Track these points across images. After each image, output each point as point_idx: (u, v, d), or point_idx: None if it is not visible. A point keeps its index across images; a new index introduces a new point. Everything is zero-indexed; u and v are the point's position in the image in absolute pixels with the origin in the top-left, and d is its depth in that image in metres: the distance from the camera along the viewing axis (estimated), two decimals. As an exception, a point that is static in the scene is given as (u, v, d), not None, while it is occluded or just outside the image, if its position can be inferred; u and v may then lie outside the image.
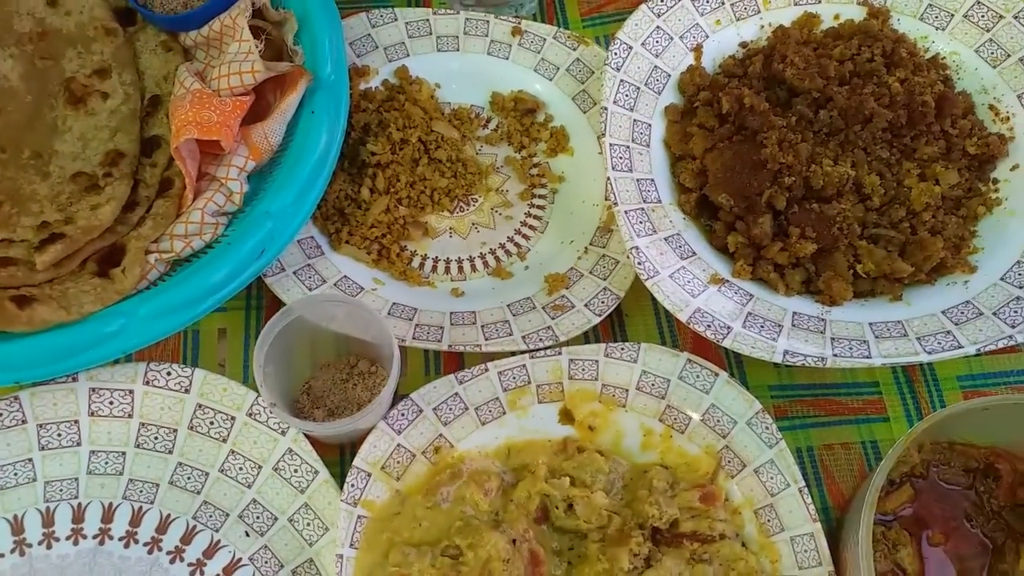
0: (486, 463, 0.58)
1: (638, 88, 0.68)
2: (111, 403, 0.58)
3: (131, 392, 0.59)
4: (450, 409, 0.59)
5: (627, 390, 0.60)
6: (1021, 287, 0.59)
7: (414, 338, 0.60)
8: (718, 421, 0.59)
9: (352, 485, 0.56)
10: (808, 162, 0.63)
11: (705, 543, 0.55)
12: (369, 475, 0.56)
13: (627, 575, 0.53)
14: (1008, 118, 0.67)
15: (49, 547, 0.56)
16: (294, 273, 0.63)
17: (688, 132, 0.68)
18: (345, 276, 0.64)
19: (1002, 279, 0.60)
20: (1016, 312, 0.58)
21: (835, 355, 0.56)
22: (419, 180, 0.69)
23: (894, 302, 0.62)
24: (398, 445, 0.58)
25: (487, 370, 0.60)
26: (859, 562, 0.48)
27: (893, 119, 0.65)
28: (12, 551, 0.55)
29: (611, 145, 0.65)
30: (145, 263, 0.60)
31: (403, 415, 0.58)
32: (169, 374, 0.59)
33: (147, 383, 0.59)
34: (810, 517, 0.55)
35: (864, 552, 0.48)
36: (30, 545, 0.56)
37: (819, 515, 0.55)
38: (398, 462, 0.57)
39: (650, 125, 0.68)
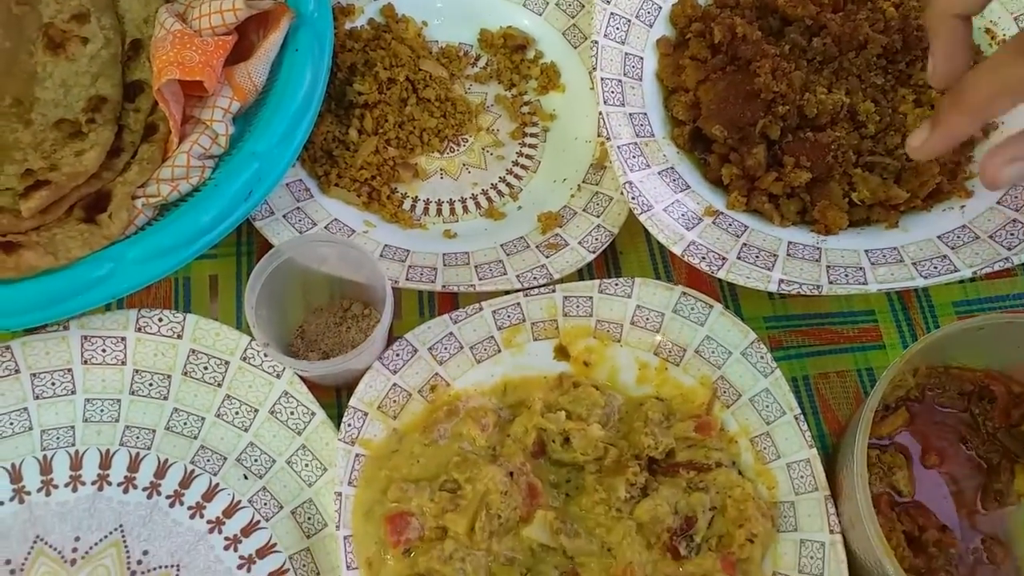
0: (482, 400, 0.58)
1: (629, 21, 0.67)
2: (104, 351, 0.58)
3: (123, 339, 0.58)
4: (445, 348, 0.59)
5: (622, 325, 0.60)
6: (1018, 209, 0.59)
7: (407, 279, 0.60)
8: (713, 352, 0.59)
9: (349, 425, 0.56)
10: (802, 91, 0.62)
11: (701, 472, 0.55)
12: (366, 414, 0.56)
13: (624, 504, 0.53)
14: (1005, 41, 0.66)
15: (48, 494, 0.56)
16: (284, 216, 0.62)
17: (680, 64, 0.67)
18: (336, 219, 0.64)
19: (998, 203, 0.60)
20: (1012, 234, 0.57)
21: (830, 282, 0.56)
22: (408, 120, 0.68)
23: (890, 229, 0.61)
24: (394, 385, 0.58)
25: (481, 309, 0.60)
26: (855, 483, 0.48)
27: (887, 45, 0.64)
28: (12, 499, 0.55)
29: (603, 79, 0.64)
30: (132, 208, 0.59)
31: (398, 355, 0.58)
32: (161, 320, 0.59)
33: (139, 330, 0.58)
34: (806, 443, 0.55)
35: (859, 473, 0.48)
36: (29, 493, 0.56)
37: (815, 442, 0.56)
38: (394, 401, 0.57)
39: (642, 58, 0.67)
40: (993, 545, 0.54)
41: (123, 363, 0.58)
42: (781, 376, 0.57)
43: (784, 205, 0.62)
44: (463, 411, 0.57)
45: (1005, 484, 0.55)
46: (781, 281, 0.56)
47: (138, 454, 0.57)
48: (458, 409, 0.57)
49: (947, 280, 0.56)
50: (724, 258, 0.58)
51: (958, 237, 0.59)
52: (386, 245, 0.63)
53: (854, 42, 0.64)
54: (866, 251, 0.59)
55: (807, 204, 0.62)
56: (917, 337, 0.63)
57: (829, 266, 0.58)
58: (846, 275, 0.57)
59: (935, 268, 0.57)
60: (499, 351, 0.60)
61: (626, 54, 0.66)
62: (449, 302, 0.64)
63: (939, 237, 0.59)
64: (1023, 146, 0.44)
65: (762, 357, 0.57)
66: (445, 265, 0.62)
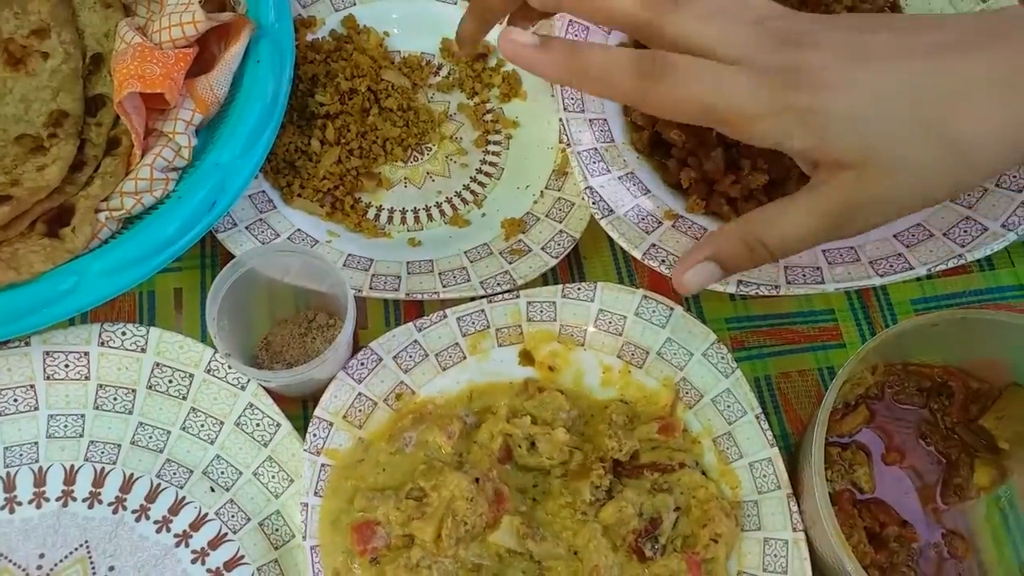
0: (448, 408, 0.58)
1: (588, 28, 0.68)
2: (67, 366, 0.58)
3: (86, 354, 0.58)
4: (410, 356, 0.59)
5: (585, 329, 0.61)
6: (970, 207, 0.60)
7: (371, 288, 0.60)
8: (675, 354, 0.59)
9: (314, 435, 0.56)
10: (758, 94, 0.63)
11: (665, 472, 0.55)
12: (331, 424, 0.56)
13: (589, 507, 0.54)
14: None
15: (12, 512, 0.55)
16: (247, 228, 0.62)
17: (639, 70, 0.68)
18: (299, 230, 0.64)
19: (952, 201, 0.61)
20: (966, 232, 0.58)
21: (788, 282, 0.57)
22: (370, 130, 0.68)
23: (847, 229, 0.62)
24: (359, 394, 0.58)
25: (446, 316, 0.60)
26: (814, 480, 0.49)
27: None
28: (-26, 516, 0.55)
29: (563, 86, 0.64)
30: (96, 222, 0.59)
31: (363, 364, 0.58)
32: (124, 334, 0.59)
33: (102, 344, 0.58)
34: (767, 443, 0.56)
35: (817, 470, 0.49)
36: (-8, 510, 0.55)
37: (778, 441, 0.56)
38: (360, 411, 0.58)
39: (601, 65, 0.68)
40: (954, 539, 0.55)
41: (87, 378, 0.58)
42: (742, 376, 0.57)
43: (742, 208, 0.62)
44: (429, 418, 0.57)
45: (964, 479, 0.56)
46: (740, 282, 0.57)
47: (103, 469, 0.57)
48: (424, 417, 0.57)
49: (903, 278, 0.56)
50: (685, 261, 0.58)
51: (913, 235, 0.60)
52: (349, 255, 0.63)
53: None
54: (823, 251, 0.60)
55: (766, 206, 0.63)
56: (876, 334, 0.64)
57: (787, 267, 0.59)
58: (804, 275, 0.58)
59: (891, 266, 0.57)
60: (464, 358, 0.60)
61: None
62: (415, 311, 0.64)
63: (895, 236, 0.60)
64: (704, 250, 0.46)
65: (723, 358, 0.58)
66: (409, 273, 0.62)
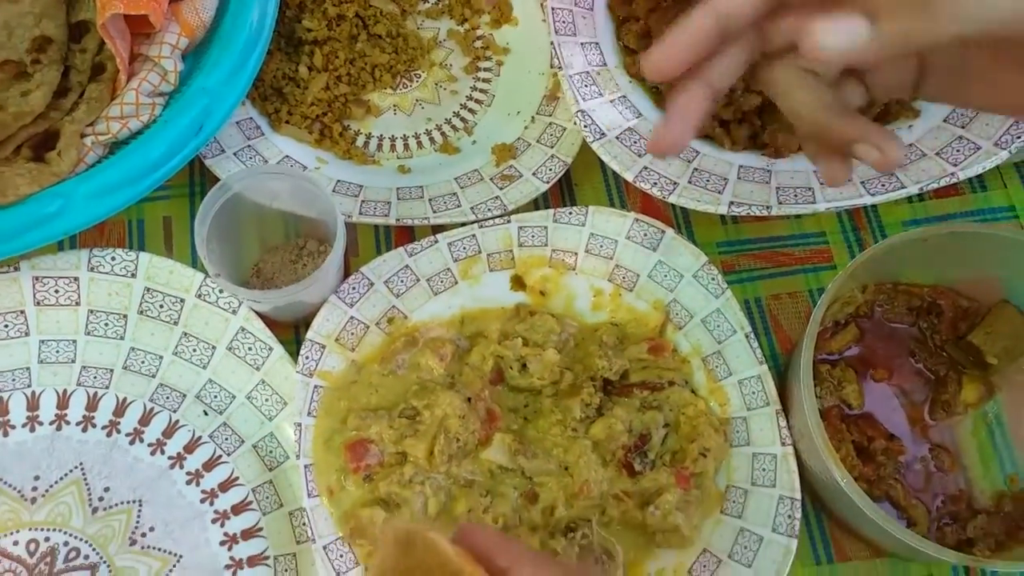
0: (440, 331, 0.59)
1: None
2: (56, 291, 0.58)
3: (76, 279, 0.58)
4: (401, 281, 0.59)
5: (576, 253, 0.61)
6: (963, 127, 0.59)
7: (360, 213, 0.60)
8: (665, 276, 0.59)
9: (307, 357, 0.56)
10: (751, 15, 0.62)
11: (655, 391, 0.56)
12: (323, 347, 0.56)
13: (579, 424, 0.54)
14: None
15: (5, 435, 0.56)
16: (234, 154, 0.62)
17: (631, -7, 0.67)
18: (287, 156, 0.63)
19: (945, 120, 0.60)
20: (958, 151, 0.58)
21: (780, 203, 0.57)
22: (358, 56, 0.67)
23: (839, 151, 0.62)
24: (351, 317, 0.58)
25: (436, 241, 0.60)
26: (802, 392, 0.49)
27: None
28: (-32, 440, 0.55)
29: (554, 9, 0.64)
30: (81, 146, 0.58)
31: (354, 288, 0.58)
32: (114, 259, 0.58)
33: (92, 269, 0.58)
34: (757, 360, 0.56)
35: (805, 383, 0.49)
36: (-14, 433, 0.56)
37: (768, 362, 0.57)
38: (352, 334, 0.58)
39: (593, -12, 0.67)
40: (941, 453, 0.56)
41: (77, 303, 0.58)
42: (732, 296, 0.58)
43: (735, 130, 0.62)
44: (421, 341, 0.57)
45: (952, 395, 0.57)
46: (731, 203, 0.57)
47: (96, 393, 0.57)
48: (416, 340, 0.58)
49: (895, 197, 0.56)
50: (675, 183, 0.58)
51: (906, 155, 0.59)
52: (339, 180, 0.62)
53: (804, -35, 0.64)
54: (815, 172, 0.60)
55: (757, 129, 0.62)
56: (868, 258, 0.64)
57: (779, 187, 0.58)
58: (795, 196, 0.58)
59: (882, 186, 0.57)
60: (456, 283, 0.60)
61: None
62: (406, 237, 0.64)
63: (887, 156, 0.60)
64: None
65: (713, 279, 0.58)
66: (399, 199, 0.62)
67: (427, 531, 0.36)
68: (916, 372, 0.58)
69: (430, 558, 0.35)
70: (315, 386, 0.55)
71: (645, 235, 0.60)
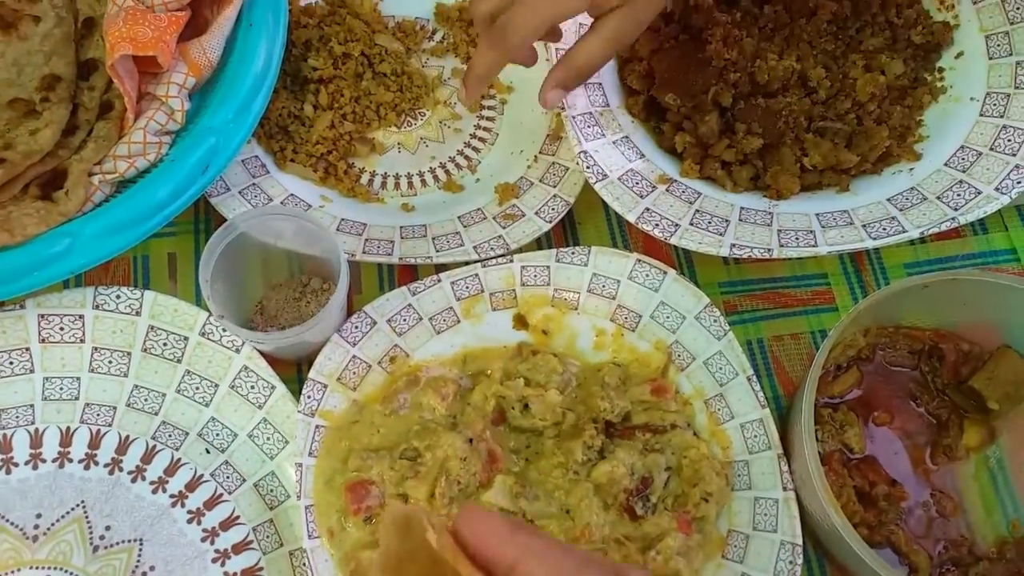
0: (442, 370, 0.59)
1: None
2: (62, 328, 0.58)
3: (81, 317, 0.58)
4: (404, 320, 0.59)
5: (579, 293, 0.61)
6: (964, 171, 0.60)
7: (364, 252, 0.60)
8: (668, 317, 0.59)
9: (309, 396, 0.56)
10: (753, 57, 0.63)
11: (657, 433, 0.56)
12: (325, 386, 0.57)
13: (581, 467, 0.54)
14: (953, 5, 0.67)
15: (8, 472, 0.56)
16: (239, 192, 0.62)
17: (634, 34, 0.67)
18: (292, 194, 0.64)
19: (946, 164, 0.61)
20: (959, 195, 0.58)
21: (781, 245, 0.57)
22: (363, 95, 0.68)
23: (841, 193, 0.62)
24: (353, 356, 0.58)
25: (440, 280, 0.60)
26: (803, 438, 0.49)
27: (837, 11, 0.65)
28: (-29, 477, 0.55)
29: (558, 50, 0.64)
30: (89, 185, 0.59)
31: (356, 327, 0.58)
32: (119, 297, 0.59)
33: (97, 307, 0.58)
34: (759, 404, 0.56)
35: (806, 428, 0.49)
36: (-11, 470, 0.56)
37: (770, 404, 0.57)
38: (354, 373, 0.58)
39: (596, 29, 0.68)
40: (943, 499, 0.56)
41: (81, 341, 0.58)
42: (734, 338, 0.58)
43: (736, 172, 0.62)
44: (423, 381, 0.58)
45: (954, 439, 0.57)
46: (733, 246, 0.57)
47: (99, 431, 0.57)
48: (418, 379, 0.58)
49: (896, 241, 0.56)
50: (677, 224, 0.58)
51: (906, 199, 0.60)
52: (343, 219, 0.63)
53: (805, 9, 0.65)
54: (817, 215, 0.60)
55: (759, 170, 0.63)
56: (870, 299, 0.64)
57: (780, 230, 0.59)
58: (797, 238, 0.58)
59: (884, 229, 0.57)
60: (458, 322, 0.60)
61: (580, 24, 0.66)
62: (409, 276, 0.64)
63: (888, 199, 0.60)
64: (558, 74, 0.58)
65: (715, 320, 0.58)
66: (402, 238, 0.62)
67: (424, 516, 0.34)
68: (918, 416, 0.58)
69: (429, 544, 0.33)
70: (316, 426, 0.56)
71: (647, 276, 0.60)
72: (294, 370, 0.61)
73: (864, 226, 0.58)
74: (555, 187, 0.65)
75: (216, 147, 0.59)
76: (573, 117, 0.62)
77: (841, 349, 0.58)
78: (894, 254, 0.65)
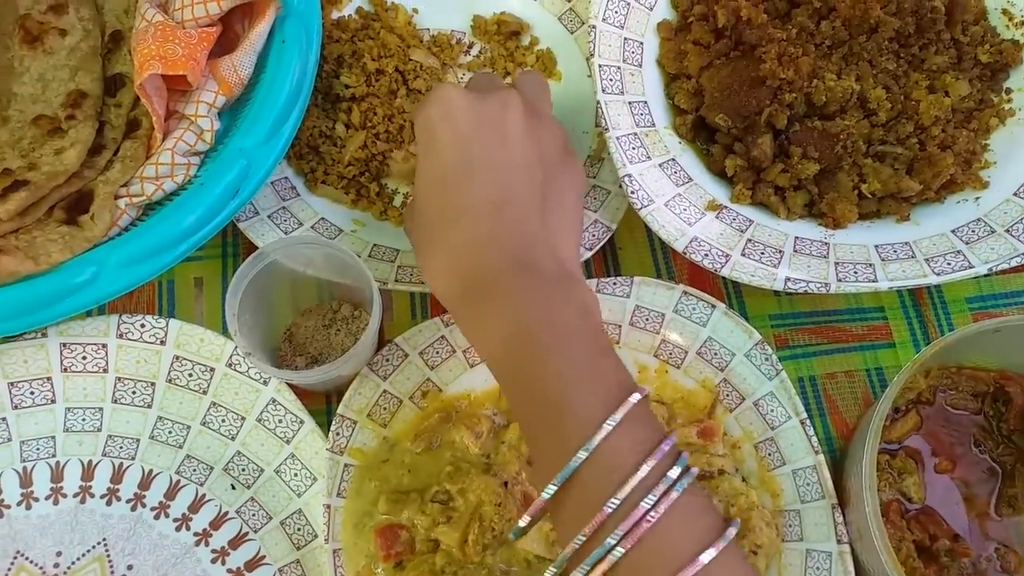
0: (476, 406, 0.56)
1: (628, 3, 0.64)
2: (84, 358, 0.56)
3: (104, 346, 0.56)
4: (437, 352, 0.57)
5: (620, 326, 0.58)
6: (1035, 202, 0.56)
7: (396, 280, 0.58)
8: (715, 354, 0.56)
9: (337, 434, 0.54)
10: (810, 77, 0.59)
11: (704, 479, 0.53)
12: (355, 423, 0.54)
13: (624, 516, 0.51)
14: (1022, 23, 0.63)
15: (29, 507, 0.54)
16: (269, 217, 0.60)
17: (682, 50, 0.64)
18: (323, 218, 0.61)
19: (1015, 194, 0.57)
20: (1030, 228, 0.55)
21: (839, 280, 0.54)
22: (397, 113, 0.65)
23: (901, 222, 0.59)
24: (384, 391, 0.56)
25: (475, 309, 0.57)
26: (863, 493, 0.46)
27: (900, 28, 0.61)
28: (-9, 512, 0.54)
29: (600, 66, 0.61)
30: (115, 208, 0.57)
31: (388, 360, 0.56)
32: (143, 326, 0.57)
33: (120, 336, 0.57)
34: (812, 449, 0.53)
35: (868, 485, 0.46)
36: (9, 506, 0.54)
37: (822, 446, 0.53)
38: (384, 408, 0.55)
39: (642, 43, 0.64)
40: (1007, 553, 0.53)
41: (105, 370, 0.57)
42: (787, 379, 0.55)
43: (791, 198, 0.59)
44: (456, 417, 0.55)
45: (1020, 489, 0.54)
46: (787, 279, 0.54)
47: (121, 464, 0.56)
48: (451, 416, 0.55)
49: (961, 277, 0.53)
50: (727, 255, 0.55)
51: (973, 231, 0.56)
52: (375, 245, 0.60)
53: (865, 25, 0.61)
54: (876, 246, 0.56)
55: (815, 196, 0.59)
56: (929, 335, 0.61)
57: (838, 262, 0.55)
58: (855, 272, 0.54)
59: (948, 264, 0.54)
60: (494, 354, 0.57)
61: (625, 39, 0.64)
62: (441, 305, 0.62)
63: (953, 231, 0.57)
64: None
65: (767, 359, 0.55)
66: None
67: None
68: (980, 463, 0.55)
69: None
70: (345, 464, 0.53)
71: (694, 309, 0.57)
72: (322, 400, 0.59)
73: (927, 260, 0.55)
74: (596, 212, 0.62)
75: (248, 170, 0.57)
76: (617, 138, 0.59)
77: (900, 392, 0.54)
78: (956, 288, 0.62)
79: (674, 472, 0.38)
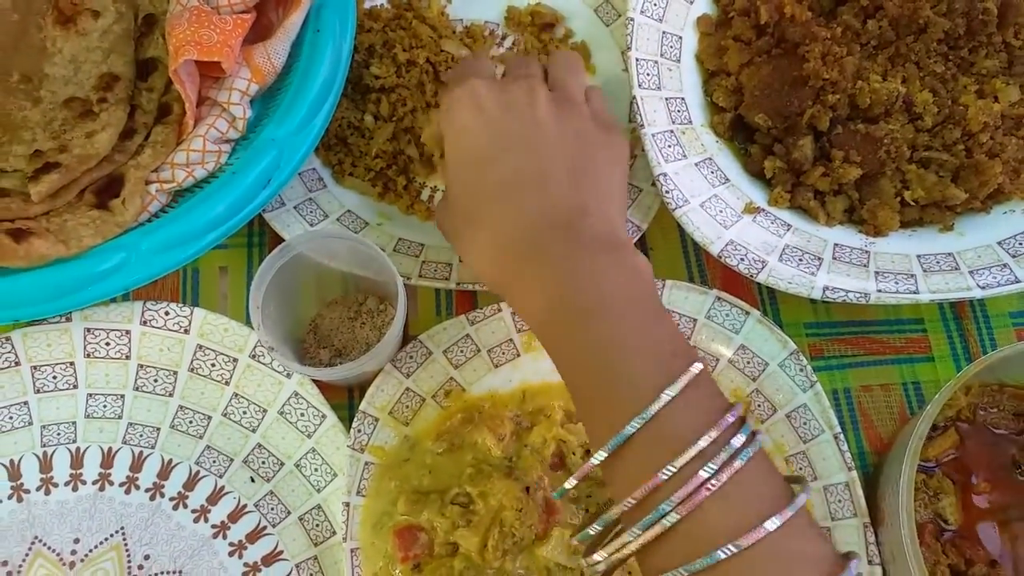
0: (499, 407, 0.55)
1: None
2: (107, 344, 0.56)
3: (128, 332, 0.56)
4: (461, 351, 0.56)
5: (651, 329, 0.56)
6: (1088, 216, 0.54)
7: (420, 276, 0.57)
8: (748, 363, 0.55)
9: (359, 431, 0.53)
10: (854, 78, 0.57)
11: (731, 493, 0.51)
12: (377, 420, 0.53)
13: (647, 526, 0.50)
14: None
15: (48, 493, 0.54)
16: (295, 208, 0.59)
17: (722, 45, 0.62)
18: (349, 211, 0.60)
19: (1067, 207, 0.55)
20: (1082, 243, 0.52)
21: (879, 290, 0.52)
22: (427, 106, 0.64)
23: (945, 232, 0.57)
24: (407, 389, 0.55)
25: (500, 310, 0.56)
26: (899, 513, 0.44)
27: (950, 29, 0.59)
28: (10, 497, 0.54)
29: (637, 60, 0.59)
30: (145, 193, 0.56)
31: (411, 357, 0.55)
32: (167, 313, 0.56)
33: (144, 323, 0.56)
34: (845, 465, 0.51)
35: (905, 505, 0.44)
36: (28, 491, 0.54)
37: (854, 461, 0.52)
38: (407, 407, 0.55)
39: (681, 38, 0.63)
40: (1045, 580, 0.50)
41: (127, 357, 0.56)
42: (821, 391, 0.53)
43: (831, 203, 0.57)
44: (478, 418, 0.54)
45: (1061, 514, 0.51)
46: (826, 288, 0.52)
47: (141, 453, 0.55)
48: (473, 416, 0.54)
49: (1007, 292, 0.51)
50: (764, 260, 0.54)
51: (1020, 244, 0.54)
52: (400, 239, 0.59)
53: (913, 25, 0.59)
54: (918, 256, 0.54)
55: (855, 202, 0.57)
56: (969, 349, 0.59)
57: (878, 272, 0.53)
58: (896, 283, 0.53)
59: (994, 278, 0.52)
60: (518, 355, 0.56)
61: (663, 33, 0.62)
62: (467, 302, 0.61)
63: (999, 243, 0.55)
64: None
65: (801, 369, 0.53)
66: (461, 262, 0.58)
67: None
68: (1021, 485, 0.52)
69: None
70: (366, 463, 0.52)
71: (727, 316, 0.55)
72: (345, 395, 0.58)
73: (971, 272, 0.53)
74: (627, 210, 0.60)
75: (279, 160, 0.56)
76: (652, 135, 0.57)
77: (939, 409, 0.52)
78: (1000, 302, 0.60)
79: (738, 440, 0.37)
